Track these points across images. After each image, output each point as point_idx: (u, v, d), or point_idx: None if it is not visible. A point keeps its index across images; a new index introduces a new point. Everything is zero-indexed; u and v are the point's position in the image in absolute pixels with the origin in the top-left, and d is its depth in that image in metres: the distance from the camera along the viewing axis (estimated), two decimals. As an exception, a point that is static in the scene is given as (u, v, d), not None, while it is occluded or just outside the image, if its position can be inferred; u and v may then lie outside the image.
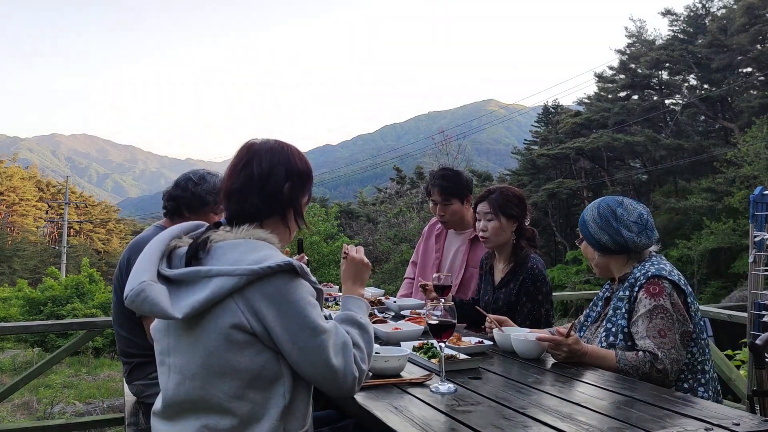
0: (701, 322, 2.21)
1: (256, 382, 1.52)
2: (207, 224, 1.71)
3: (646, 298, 2.15)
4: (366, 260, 1.88)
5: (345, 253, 1.89)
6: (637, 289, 2.19)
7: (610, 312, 2.29)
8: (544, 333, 2.24)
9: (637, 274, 2.24)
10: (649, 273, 2.20)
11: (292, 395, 1.55)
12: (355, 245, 1.95)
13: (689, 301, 2.19)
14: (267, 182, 1.68)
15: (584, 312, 2.51)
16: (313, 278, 1.60)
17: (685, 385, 2.13)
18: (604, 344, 2.23)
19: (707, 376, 2.17)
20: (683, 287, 2.19)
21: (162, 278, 1.56)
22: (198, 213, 2.69)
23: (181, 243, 1.66)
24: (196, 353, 1.52)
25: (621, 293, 2.26)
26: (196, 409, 1.54)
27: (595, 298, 2.50)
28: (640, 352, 2.08)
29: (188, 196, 2.71)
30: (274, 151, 1.71)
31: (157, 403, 1.65)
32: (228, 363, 1.50)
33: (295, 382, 1.56)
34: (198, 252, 1.58)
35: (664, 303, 2.12)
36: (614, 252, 2.33)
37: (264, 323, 1.49)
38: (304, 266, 1.56)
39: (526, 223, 3.00)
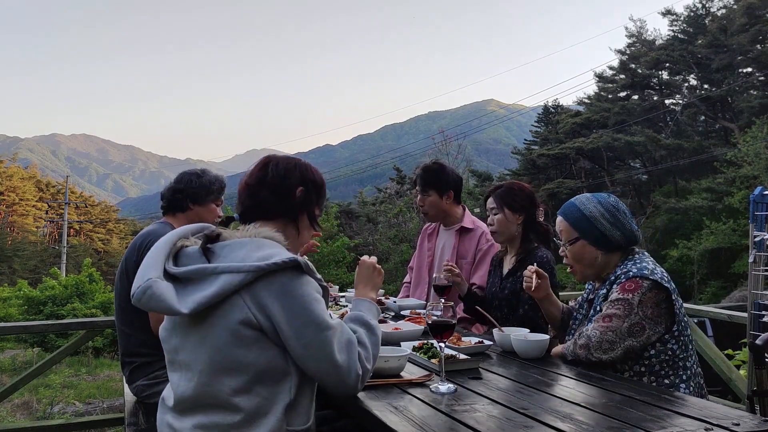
0: (684, 319, 2.15)
1: (263, 378, 1.54)
2: (212, 226, 1.75)
3: (617, 292, 2.10)
4: (378, 265, 1.96)
5: (358, 258, 1.98)
6: (616, 286, 2.13)
7: (591, 312, 2.26)
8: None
9: (618, 273, 2.16)
10: (631, 273, 2.11)
11: (297, 391, 1.58)
12: (369, 256, 2.03)
13: (673, 298, 2.11)
14: (281, 183, 1.78)
15: (572, 316, 2.44)
16: (319, 275, 1.63)
17: (666, 381, 2.09)
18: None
19: (689, 372, 2.13)
20: (666, 285, 2.10)
21: (168, 276, 1.59)
22: (203, 203, 2.84)
23: (188, 243, 1.68)
24: (203, 350, 1.55)
25: (601, 292, 2.22)
26: (205, 405, 1.56)
27: (577, 303, 2.43)
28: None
29: (195, 187, 2.84)
30: (290, 160, 1.85)
31: (169, 399, 1.68)
32: (235, 359, 1.52)
33: (301, 379, 1.59)
34: (212, 242, 1.64)
35: (631, 299, 2.05)
36: (619, 249, 2.21)
37: (271, 319, 1.52)
38: (310, 263, 1.60)
39: (539, 218, 2.98)
